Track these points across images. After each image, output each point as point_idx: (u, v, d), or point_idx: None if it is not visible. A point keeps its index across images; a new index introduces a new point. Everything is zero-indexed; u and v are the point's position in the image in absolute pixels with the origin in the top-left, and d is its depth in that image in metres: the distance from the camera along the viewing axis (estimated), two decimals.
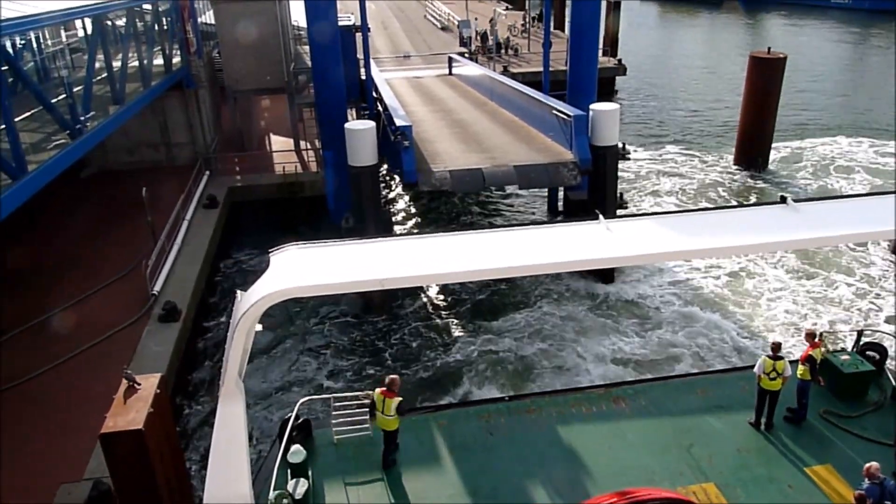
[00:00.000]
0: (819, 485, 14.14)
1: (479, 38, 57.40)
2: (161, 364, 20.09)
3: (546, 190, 35.10)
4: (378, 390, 14.44)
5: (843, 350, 17.72)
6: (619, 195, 28.78)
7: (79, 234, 28.97)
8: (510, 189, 34.02)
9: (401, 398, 14.23)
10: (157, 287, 23.87)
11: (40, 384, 19.22)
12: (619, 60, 55.87)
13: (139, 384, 13.67)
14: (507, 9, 79.58)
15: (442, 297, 27.75)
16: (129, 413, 12.90)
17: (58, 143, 21.63)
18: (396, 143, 24.73)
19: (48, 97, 21.32)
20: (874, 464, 11.91)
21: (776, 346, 15.31)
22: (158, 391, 13.66)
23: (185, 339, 22.66)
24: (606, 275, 28.45)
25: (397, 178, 31.80)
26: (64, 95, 21.83)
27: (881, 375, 17.07)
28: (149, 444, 12.80)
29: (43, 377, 19.47)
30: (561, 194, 34.45)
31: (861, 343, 17.77)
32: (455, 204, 36.85)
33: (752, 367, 15.80)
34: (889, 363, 17.59)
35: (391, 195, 38.68)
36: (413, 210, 37.09)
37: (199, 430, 20.70)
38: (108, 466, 13.33)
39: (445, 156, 26.66)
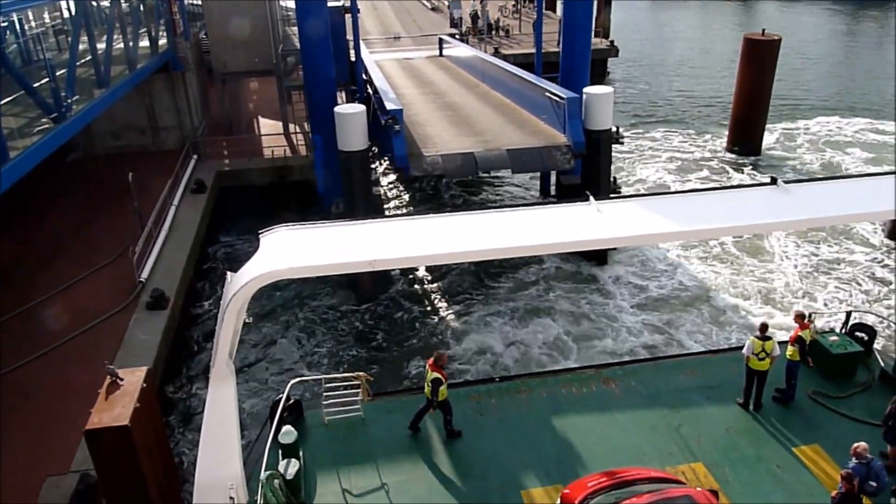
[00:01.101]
0: (807, 464, 14.25)
1: (469, 19, 56.77)
2: (149, 353, 19.82)
3: (539, 174, 34.80)
4: (427, 361, 15.01)
5: (832, 331, 17.82)
6: (612, 179, 28.40)
7: (65, 219, 28.53)
8: (502, 173, 33.69)
9: (438, 375, 14.56)
10: (145, 274, 23.52)
11: (26, 374, 18.89)
12: (612, 42, 55.35)
13: (122, 379, 13.35)
14: None
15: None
16: (115, 408, 12.61)
17: (42, 127, 21.14)
18: (387, 128, 24.32)
19: (30, 81, 20.78)
20: (862, 444, 11.99)
21: (764, 327, 15.51)
22: (145, 385, 13.37)
23: (174, 328, 22.35)
24: (600, 257, 28.28)
25: (388, 162, 31.40)
26: (47, 79, 21.22)
27: (869, 356, 17.21)
28: (135, 440, 12.52)
29: (29, 367, 19.14)
30: (553, 178, 34.15)
31: (850, 324, 17.90)
32: (446, 188, 36.48)
33: (741, 348, 15.90)
34: (877, 344, 17.77)
35: (382, 179, 38.27)
36: (404, 194, 36.72)
37: (189, 420, 20.40)
38: (94, 463, 13.06)
39: (437, 139, 26.28)
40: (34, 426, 16.88)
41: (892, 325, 22.36)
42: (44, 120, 21.36)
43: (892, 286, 26.92)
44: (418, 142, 25.87)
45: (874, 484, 11.80)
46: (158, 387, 19.72)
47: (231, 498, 11.53)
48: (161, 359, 20.38)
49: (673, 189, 35.20)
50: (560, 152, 25.06)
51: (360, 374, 16.01)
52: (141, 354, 19.61)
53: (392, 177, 38.27)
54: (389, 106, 24.97)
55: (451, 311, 25.68)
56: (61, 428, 16.44)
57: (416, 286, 27.35)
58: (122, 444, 12.42)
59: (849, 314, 18.22)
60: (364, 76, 32.20)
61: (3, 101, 19.29)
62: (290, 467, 13.24)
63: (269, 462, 13.42)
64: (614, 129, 26.86)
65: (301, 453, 14.08)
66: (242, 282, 10.37)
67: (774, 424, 15.40)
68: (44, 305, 22.14)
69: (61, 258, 25.31)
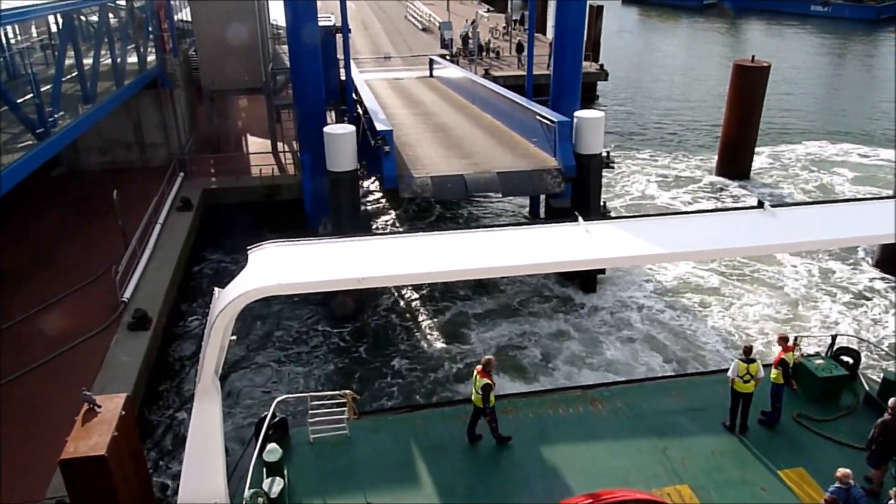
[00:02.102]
0: (792, 487, 14.28)
1: (460, 40, 56.85)
2: (130, 375, 19.43)
3: (528, 196, 34.66)
4: (476, 368, 15.18)
5: (818, 354, 17.93)
6: (602, 204, 28.26)
7: (48, 235, 28.03)
8: (492, 194, 33.48)
9: (487, 381, 14.71)
10: (128, 293, 23.11)
11: (3, 394, 18.33)
12: (601, 65, 55.58)
13: (99, 406, 12.93)
14: (488, 10, 79.20)
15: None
16: (92, 437, 12.19)
17: (25, 143, 20.77)
18: (377, 149, 24.11)
19: (14, 96, 20.43)
20: (845, 469, 12.10)
21: (748, 349, 15.59)
22: (123, 412, 12.95)
23: (156, 349, 21.98)
24: (588, 284, 28.07)
25: (377, 183, 31.18)
26: (31, 95, 20.87)
27: (854, 380, 17.31)
28: (112, 470, 12.10)
29: (6, 387, 18.61)
30: (543, 201, 34.01)
31: (835, 348, 17.95)
32: (435, 210, 36.26)
33: (727, 370, 15.96)
34: (862, 368, 17.87)
35: (370, 200, 37.99)
36: (393, 216, 36.45)
37: (171, 446, 19.92)
38: (69, 494, 12.61)
39: (427, 161, 26.07)
40: (9, 450, 16.29)
41: (877, 349, 22.55)
42: (27, 136, 20.99)
43: (877, 311, 26.95)
44: (408, 163, 25.66)
45: None
46: (139, 410, 19.32)
47: None
48: (142, 381, 19.96)
49: (661, 212, 35.13)
50: (550, 175, 24.90)
51: (347, 391, 16.02)
52: (122, 377, 19.21)
53: (380, 196, 38.01)
54: (379, 127, 24.78)
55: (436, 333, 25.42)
56: (38, 451, 15.94)
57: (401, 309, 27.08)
58: (98, 474, 12.00)
59: (834, 338, 18.25)
60: (354, 96, 32.03)
61: None
62: (275, 485, 13.12)
63: (254, 480, 13.25)
64: (605, 153, 26.77)
65: (286, 471, 14.01)
66: (230, 298, 10.27)
67: (760, 447, 15.47)
68: (23, 324, 21.64)
69: (43, 275, 24.81)
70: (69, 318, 21.96)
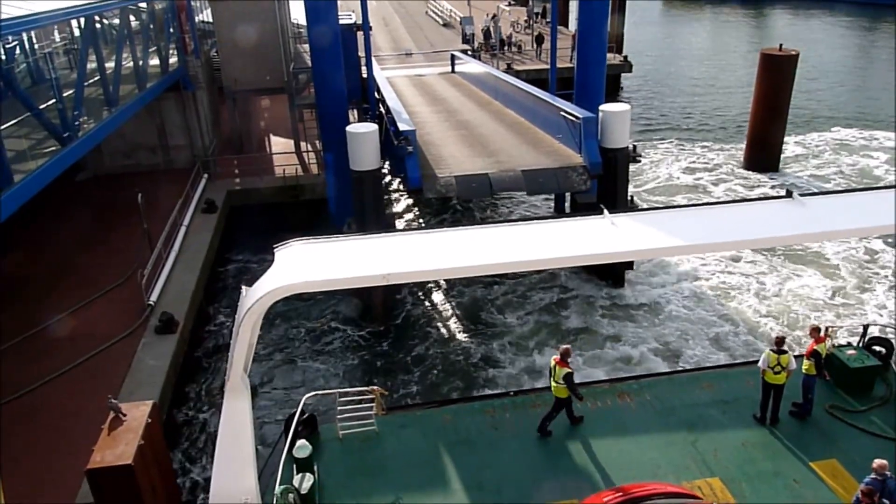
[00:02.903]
0: (825, 479, 14.09)
1: (481, 35, 56.47)
2: (157, 379, 19.37)
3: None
4: (553, 358, 15.30)
5: (850, 345, 17.66)
6: (630, 198, 27.81)
7: (74, 240, 28.18)
8: (517, 193, 33.19)
9: (570, 370, 14.92)
10: (154, 297, 23.08)
11: (32, 400, 18.38)
12: (625, 57, 54.90)
13: (125, 415, 12.83)
14: (510, 4, 78.68)
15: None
16: (118, 446, 12.09)
17: (49, 149, 20.79)
18: (400, 148, 23.89)
19: (36, 102, 20.45)
20: (882, 461, 11.93)
21: (780, 340, 15.41)
22: (150, 420, 12.84)
23: (183, 352, 21.89)
24: (616, 278, 27.70)
25: (401, 183, 30.99)
26: (53, 101, 20.88)
27: (887, 370, 17.09)
28: (139, 480, 12.00)
29: (35, 393, 18.63)
30: (568, 196, 33.57)
31: (867, 338, 17.74)
32: (459, 207, 36.00)
33: (757, 361, 15.82)
34: (895, 358, 17.51)
35: (394, 197, 37.82)
36: (417, 214, 36.27)
37: (199, 449, 19.88)
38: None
39: (450, 160, 25.78)
40: (38, 455, 16.33)
41: None
42: (51, 141, 21.01)
43: None
44: (432, 162, 25.40)
45: (886, 502, 11.71)
46: (167, 413, 19.31)
47: None
48: (170, 384, 19.88)
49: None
50: (576, 173, 24.51)
51: (374, 387, 16.05)
52: (149, 381, 19.17)
53: (404, 195, 37.82)
54: (402, 127, 24.52)
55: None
56: (66, 458, 15.88)
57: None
58: (124, 483, 11.90)
59: (866, 328, 18.01)
60: (376, 94, 31.82)
61: (8, 124, 18.95)
62: (305, 482, 13.23)
63: (284, 476, 13.27)
64: (631, 146, 26.31)
65: (315, 468, 14.13)
66: (257, 296, 10.28)
67: (791, 439, 15.29)
68: (50, 329, 21.69)
69: (69, 280, 24.91)
70: (96, 322, 22.04)
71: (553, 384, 15.34)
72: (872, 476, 11.80)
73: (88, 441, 13.08)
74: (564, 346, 15.44)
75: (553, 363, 15.30)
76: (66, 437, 16.69)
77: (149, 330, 21.56)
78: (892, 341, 17.78)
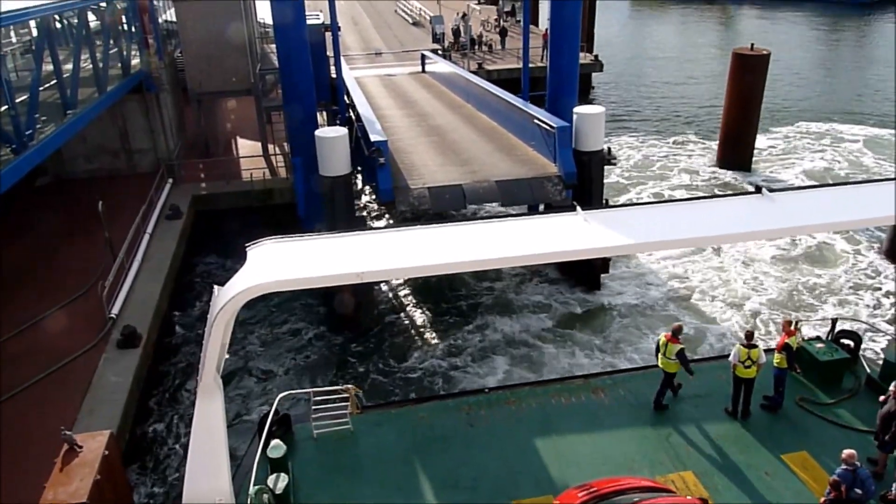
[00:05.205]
0: (795, 471, 14.42)
1: (451, 34, 55.88)
2: (120, 396, 18.62)
3: None
4: (663, 335, 15.93)
5: (818, 338, 18.14)
6: (605, 201, 27.43)
7: (33, 248, 27.15)
8: None
9: (682, 346, 15.65)
10: (116, 309, 22.23)
11: None
12: (596, 56, 54.67)
13: (80, 447, 12.05)
14: (479, 3, 78.20)
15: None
16: (72, 482, 11.31)
17: (2, 157, 19.83)
18: (371, 159, 23.31)
19: None
20: (851, 451, 12.18)
21: (749, 335, 15.77)
22: (107, 452, 12.05)
23: (147, 366, 21.10)
24: (593, 281, 27.33)
25: (372, 193, 30.45)
26: (6, 107, 19.91)
27: (856, 363, 17.48)
28: None
29: None
30: None
31: (836, 331, 18.13)
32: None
33: (728, 356, 16.16)
34: (863, 351, 17.99)
35: (365, 203, 37.05)
36: (389, 219, 35.57)
37: (164, 469, 19.12)
38: None
39: (423, 169, 25.22)
40: None
41: (877, 332, 22.72)
42: (4, 150, 20.07)
43: (877, 294, 26.99)
44: (404, 172, 24.81)
45: (859, 491, 11.96)
46: (130, 430, 18.56)
47: None
48: (133, 400, 19.15)
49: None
50: (551, 183, 24.10)
51: (349, 386, 16.03)
52: (110, 399, 18.38)
53: (375, 199, 37.11)
54: (374, 137, 23.88)
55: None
56: (16, 491, 14.69)
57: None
58: None
59: (834, 321, 18.41)
60: (346, 98, 31.10)
61: None
62: (280, 482, 13.25)
63: (258, 476, 13.32)
64: (606, 149, 25.95)
65: (290, 467, 14.15)
66: (230, 295, 10.24)
67: (762, 432, 15.62)
68: (6, 345, 20.69)
69: (26, 291, 23.87)
70: (54, 337, 21.06)
71: (662, 359, 15.92)
72: (843, 468, 12.02)
73: (42, 471, 12.28)
74: (676, 324, 16.15)
75: (664, 339, 15.85)
76: (19, 467, 15.62)
77: (110, 344, 20.75)
78: (860, 334, 18.09)
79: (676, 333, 15.77)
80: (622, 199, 36.56)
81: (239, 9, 35.03)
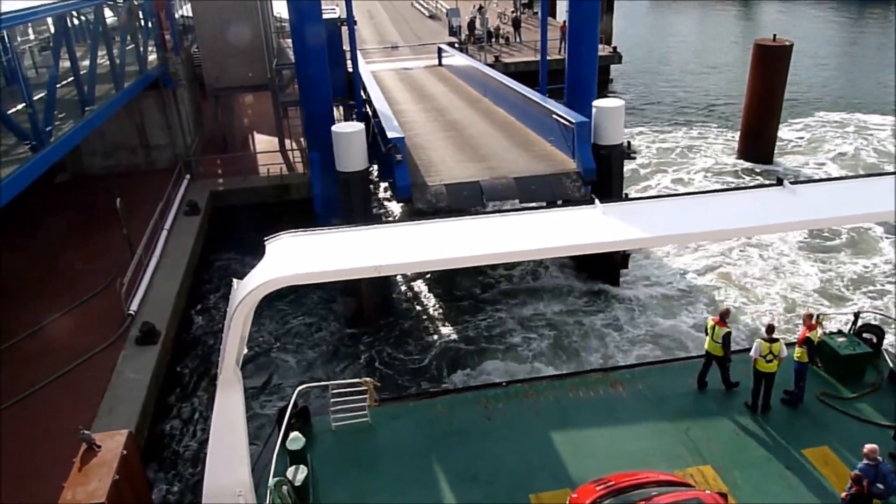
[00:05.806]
0: (816, 466, 14.32)
1: (468, 26, 55.62)
2: (138, 393, 18.59)
3: None
4: (711, 318, 16.27)
5: (840, 332, 17.91)
6: (624, 196, 27.10)
7: (51, 245, 27.16)
8: None
9: (729, 329, 15.91)
10: (135, 305, 22.24)
11: (4, 418, 17.42)
12: (614, 48, 54.21)
13: (98, 446, 12.00)
14: None
15: None
16: (90, 482, 11.28)
17: (21, 155, 19.84)
18: (388, 155, 23.12)
19: (6, 106, 19.50)
20: (873, 445, 12.08)
21: (771, 329, 15.70)
22: (125, 452, 12.01)
23: (166, 363, 21.10)
24: (613, 277, 27.03)
25: (389, 189, 30.28)
26: (23, 104, 19.90)
27: (878, 357, 17.36)
28: None
29: (6, 412, 17.67)
30: None
31: (858, 325, 18.00)
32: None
33: (749, 350, 16.04)
34: (886, 345, 17.90)
35: (383, 198, 36.89)
36: (406, 215, 35.38)
37: (183, 465, 19.07)
38: None
39: (440, 165, 25.00)
40: (9, 482, 15.21)
41: None
42: (23, 148, 20.07)
43: None
44: (421, 168, 24.60)
45: (881, 486, 11.86)
46: (149, 428, 18.55)
47: None
48: (152, 397, 19.11)
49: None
50: (570, 180, 23.81)
51: (367, 379, 16.19)
52: (129, 396, 18.36)
53: (391, 194, 36.99)
54: (391, 134, 23.62)
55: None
56: (36, 489, 14.63)
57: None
58: None
59: (857, 315, 18.27)
60: (363, 92, 30.93)
61: None
62: (299, 474, 13.35)
63: (277, 469, 13.34)
64: (626, 143, 25.62)
65: (309, 459, 14.34)
66: (249, 288, 10.34)
67: (783, 426, 15.54)
68: (26, 342, 20.76)
69: (46, 289, 23.95)
70: (73, 333, 21.10)
71: (710, 342, 16.08)
72: (865, 462, 11.92)
73: (61, 469, 12.25)
74: (725, 307, 16.43)
75: (712, 322, 16.11)
76: (37, 465, 15.63)
77: (129, 341, 20.73)
78: (883, 328, 17.95)
79: (724, 317, 16.00)
80: (642, 190, 36.16)
81: (255, 4, 34.96)
